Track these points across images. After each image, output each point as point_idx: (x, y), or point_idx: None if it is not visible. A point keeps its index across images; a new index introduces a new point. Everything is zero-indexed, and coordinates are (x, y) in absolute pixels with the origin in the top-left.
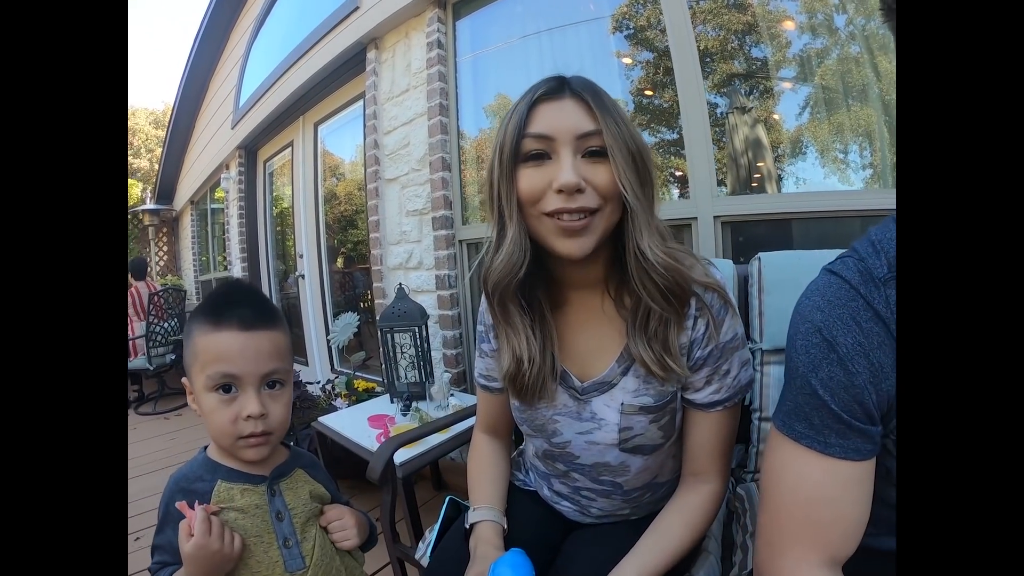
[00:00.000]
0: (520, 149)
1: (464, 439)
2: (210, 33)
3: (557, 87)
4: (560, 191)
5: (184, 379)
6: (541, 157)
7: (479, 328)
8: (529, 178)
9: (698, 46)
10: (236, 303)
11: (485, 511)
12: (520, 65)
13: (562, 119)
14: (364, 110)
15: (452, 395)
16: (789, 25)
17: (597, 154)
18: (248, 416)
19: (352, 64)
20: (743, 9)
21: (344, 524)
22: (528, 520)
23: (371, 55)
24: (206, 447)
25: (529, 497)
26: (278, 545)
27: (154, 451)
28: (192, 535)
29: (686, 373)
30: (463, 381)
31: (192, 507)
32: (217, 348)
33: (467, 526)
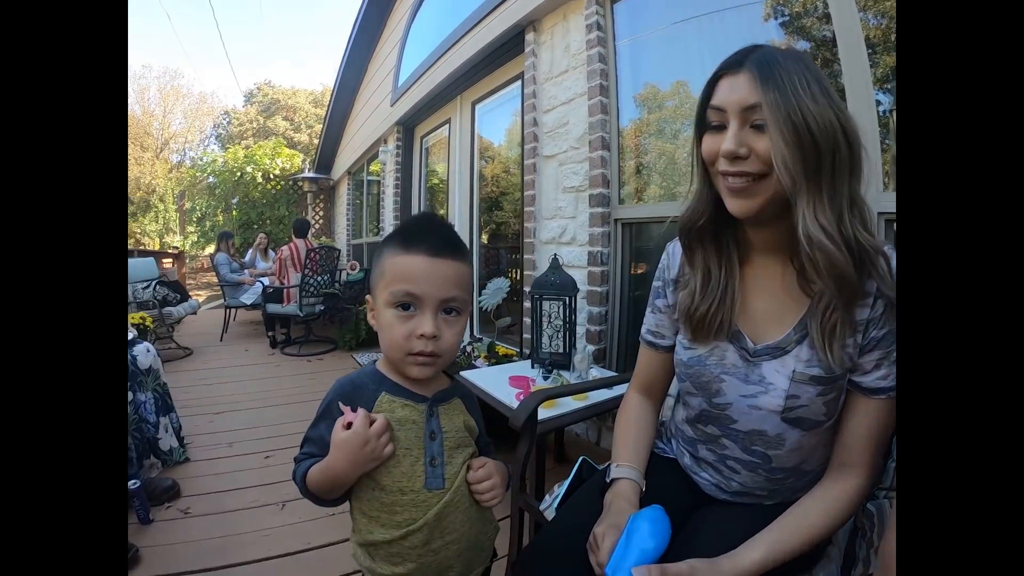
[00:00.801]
0: (705, 118)
1: (598, 411)
2: (367, 22)
3: (736, 62)
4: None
5: (368, 296)
6: (719, 127)
7: (656, 284)
8: (708, 143)
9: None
10: (427, 232)
11: (627, 469)
12: (677, 51)
13: (732, 93)
14: (522, 89)
15: (592, 368)
16: None
17: (762, 126)
18: (421, 334)
19: (510, 46)
20: None
21: (493, 484)
22: (663, 487)
23: (529, 37)
24: (375, 360)
25: (667, 464)
26: (424, 462)
27: (293, 387)
28: (347, 429)
29: (840, 370)
30: (603, 358)
31: (354, 411)
32: (404, 269)
33: (607, 480)
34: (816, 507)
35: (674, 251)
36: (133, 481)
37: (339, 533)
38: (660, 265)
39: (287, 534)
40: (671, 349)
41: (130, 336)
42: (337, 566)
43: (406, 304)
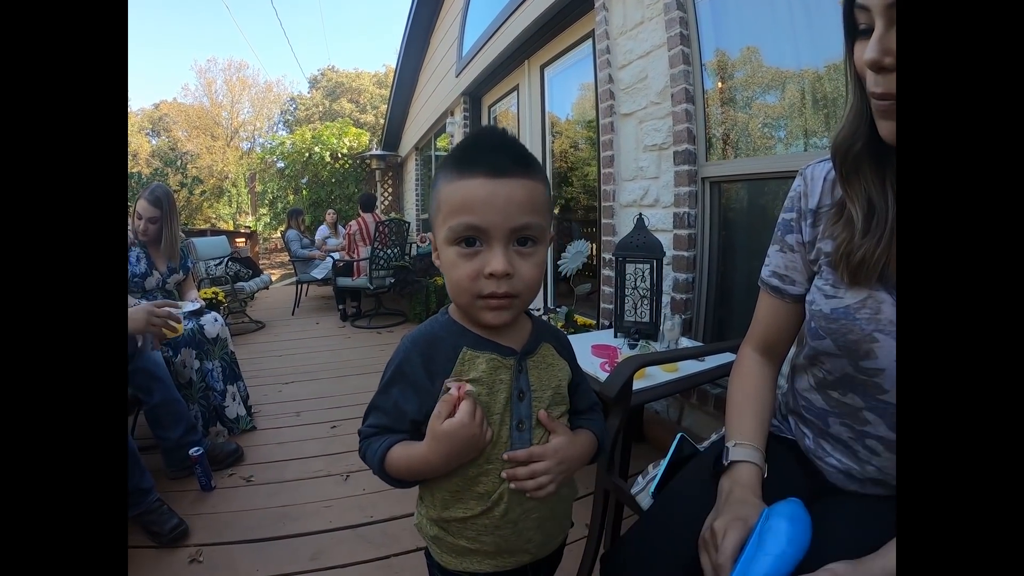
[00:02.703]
0: (853, 20)
1: (690, 384)
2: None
3: None
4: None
5: (428, 234)
6: (868, 31)
7: (786, 216)
8: (857, 52)
9: None
10: (487, 148)
11: (749, 450)
12: (762, 15)
13: None
14: (594, 46)
15: (682, 339)
16: None
17: None
18: (491, 273)
19: (578, 3)
20: None
21: (540, 471)
22: (778, 473)
23: None
24: (447, 307)
25: (784, 446)
26: (511, 426)
27: (362, 357)
28: (452, 415)
29: None
30: (689, 330)
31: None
32: (461, 196)
33: (725, 462)
34: None
35: (813, 175)
36: (197, 448)
37: (403, 507)
38: (792, 192)
39: (349, 506)
40: (800, 298)
41: (198, 307)
42: (399, 541)
43: (469, 239)
